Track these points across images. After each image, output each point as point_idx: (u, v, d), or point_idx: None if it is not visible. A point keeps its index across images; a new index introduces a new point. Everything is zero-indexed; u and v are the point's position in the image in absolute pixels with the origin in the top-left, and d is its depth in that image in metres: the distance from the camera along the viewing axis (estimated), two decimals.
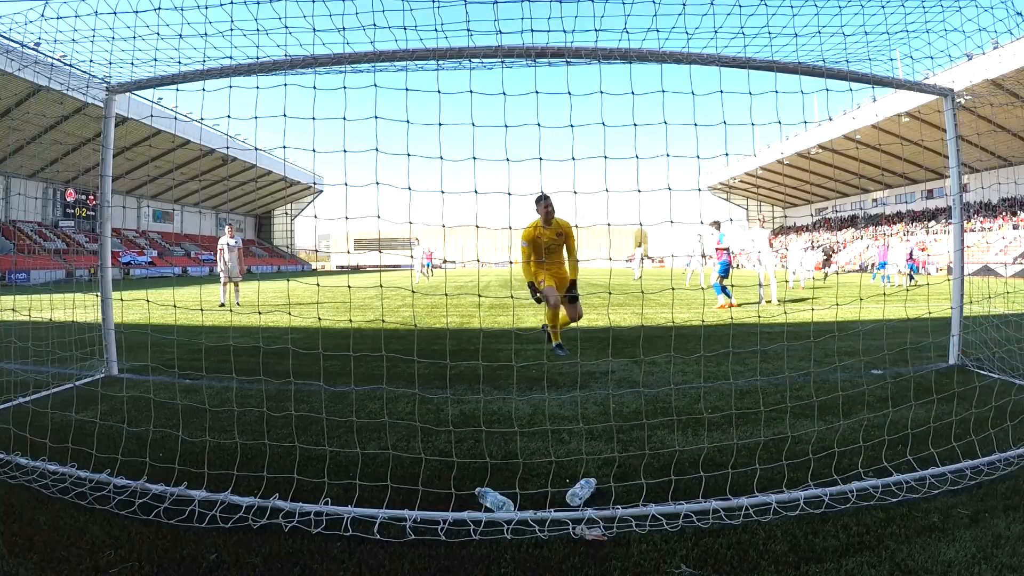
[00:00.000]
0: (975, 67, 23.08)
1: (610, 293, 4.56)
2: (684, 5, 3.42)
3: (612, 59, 3.47)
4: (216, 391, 3.98)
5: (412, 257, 21.24)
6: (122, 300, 4.48)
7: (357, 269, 51.12)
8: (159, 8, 3.41)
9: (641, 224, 3.11)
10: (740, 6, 3.44)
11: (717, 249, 10.65)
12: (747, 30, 3.57)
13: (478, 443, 2.86)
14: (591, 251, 4.98)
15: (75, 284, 24.05)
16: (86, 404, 3.52)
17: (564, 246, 5.22)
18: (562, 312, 5.26)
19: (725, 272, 10.40)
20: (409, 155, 2.83)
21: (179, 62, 3.78)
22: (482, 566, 1.84)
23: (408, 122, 2.89)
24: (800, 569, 1.77)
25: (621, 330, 6.93)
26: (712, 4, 3.36)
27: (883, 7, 3.69)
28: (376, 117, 2.87)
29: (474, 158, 2.89)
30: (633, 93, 3.09)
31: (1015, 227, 33.47)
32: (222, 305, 11.16)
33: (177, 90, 4.05)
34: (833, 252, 20.71)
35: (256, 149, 3.67)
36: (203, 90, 3.69)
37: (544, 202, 5.11)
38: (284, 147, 3.08)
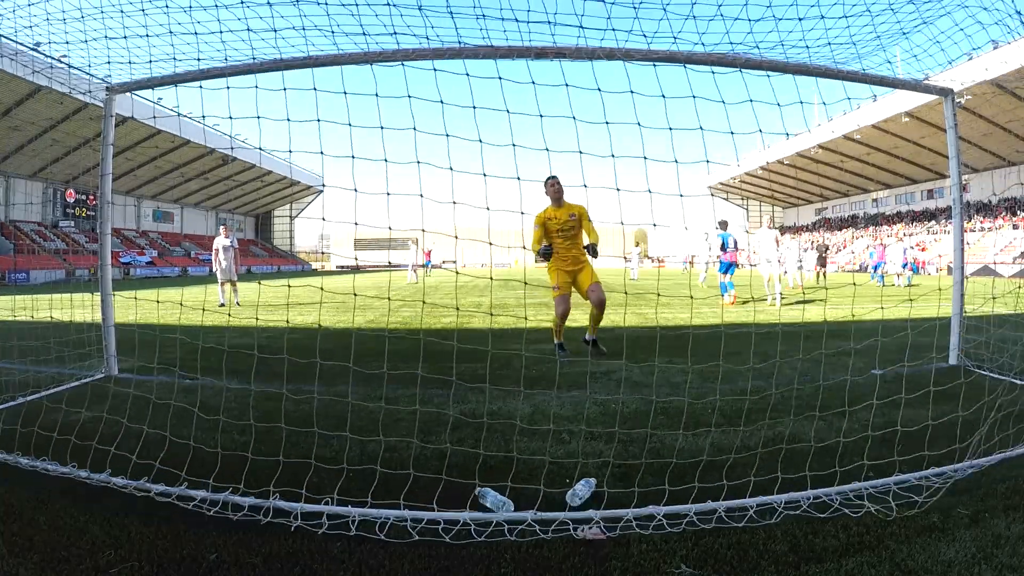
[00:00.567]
0: (975, 67, 23.10)
1: (626, 294, 4.57)
2: (693, 5, 3.41)
3: (612, 59, 3.47)
4: (217, 391, 3.98)
5: (415, 255, 21.23)
6: (136, 299, 4.47)
7: (358, 269, 51.15)
8: (166, 7, 3.41)
9: (623, 223, 3.11)
10: (746, 7, 3.44)
11: (722, 249, 11.10)
12: (745, 30, 3.57)
13: (478, 443, 2.85)
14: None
15: (75, 284, 24.06)
16: (86, 403, 3.52)
17: (581, 228, 5.12)
18: (591, 309, 5.16)
19: (726, 270, 10.87)
20: (417, 160, 2.84)
21: (174, 59, 3.78)
22: (482, 566, 1.84)
23: (414, 125, 2.89)
24: (800, 569, 1.77)
25: (621, 330, 6.93)
26: (720, 7, 3.36)
27: (873, 8, 3.69)
28: (381, 127, 2.88)
29: (480, 141, 2.89)
30: (632, 92, 3.09)
31: (1015, 227, 33.47)
32: (222, 305, 11.19)
33: (176, 87, 4.05)
34: (826, 249, 20.68)
35: (260, 149, 3.68)
36: (200, 87, 3.69)
37: (550, 181, 5.06)
38: (290, 151, 3.09)
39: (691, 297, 4.29)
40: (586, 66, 3.44)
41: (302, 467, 2.43)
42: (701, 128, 3.00)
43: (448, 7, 3.16)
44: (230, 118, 3.22)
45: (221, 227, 11.93)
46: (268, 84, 3.53)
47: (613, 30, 3.45)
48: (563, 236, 5.10)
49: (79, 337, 5.02)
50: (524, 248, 4.26)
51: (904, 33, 3.89)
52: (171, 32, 3.55)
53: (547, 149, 3.00)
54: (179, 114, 30.33)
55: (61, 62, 4.11)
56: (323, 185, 58.17)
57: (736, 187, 59.74)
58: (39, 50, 3.99)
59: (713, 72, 3.44)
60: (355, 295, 3.48)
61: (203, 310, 5.06)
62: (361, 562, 1.85)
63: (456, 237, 2.78)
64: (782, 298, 10.44)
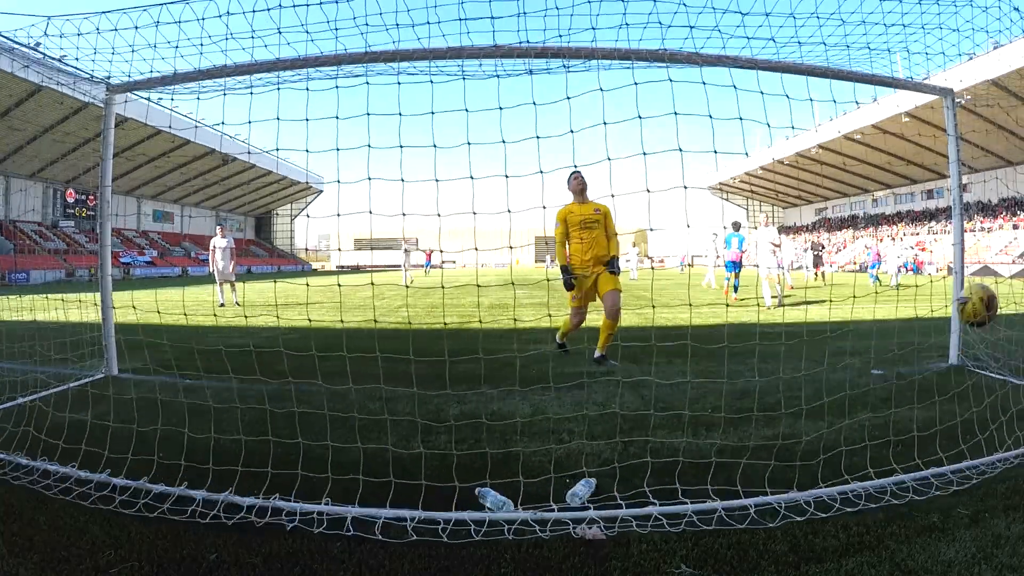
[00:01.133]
0: (975, 67, 23.10)
1: (653, 299, 4.56)
2: (686, 6, 3.41)
3: (612, 59, 3.47)
4: (216, 391, 3.98)
5: (408, 253, 21.24)
6: (134, 305, 4.47)
7: (357, 269, 51.12)
8: (164, 4, 3.41)
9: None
10: (742, 12, 3.45)
11: (728, 251, 11.95)
12: (748, 31, 3.57)
13: (478, 443, 2.86)
14: None
15: (75, 284, 24.05)
16: (87, 404, 3.52)
17: (604, 228, 4.96)
18: (603, 319, 4.95)
19: (732, 268, 11.73)
20: (402, 146, 2.84)
21: (174, 59, 3.78)
22: (482, 566, 1.84)
23: (400, 114, 2.89)
24: (800, 569, 1.77)
25: (622, 330, 6.92)
26: (715, 10, 3.37)
27: (882, 2, 3.69)
28: (368, 114, 2.88)
29: (468, 143, 2.90)
30: (636, 84, 3.09)
31: (1015, 227, 33.47)
32: (222, 305, 11.19)
33: (172, 94, 4.05)
34: (822, 248, 20.62)
35: (265, 151, 3.67)
36: (197, 92, 3.69)
37: (574, 175, 4.93)
38: (300, 149, 3.08)
39: (689, 305, 4.28)
40: (585, 67, 3.45)
41: (301, 467, 2.43)
42: (710, 116, 2.98)
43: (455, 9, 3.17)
44: (223, 123, 3.22)
45: (218, 227, 11.95)
46: (267, 84, 3.53)
47: (626, 26, 3.45)
48: (585, 229, 4.91)
49: (79, 337, 5.02)
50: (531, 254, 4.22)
51: (904, 29, 3.88)
52: (175, 24, 3.54)
53: (537, 136, 2.97)
54: (179, 114, 30.30)
55: (61, 62, 4.11)
56: (337, 180, 58.07)
57: (736, 187, 59.70)
58: (39, 50, 3.99)
59: (698, 76, 3.44)
60: (376, 290, 3.47)
61: (215, 313, 5.05)
62: (361, 562, 1.85)
63: (446, 232, 2.78)
64: (777, 299, 10.45)
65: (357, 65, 3.58)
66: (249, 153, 39.61)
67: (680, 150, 2.98)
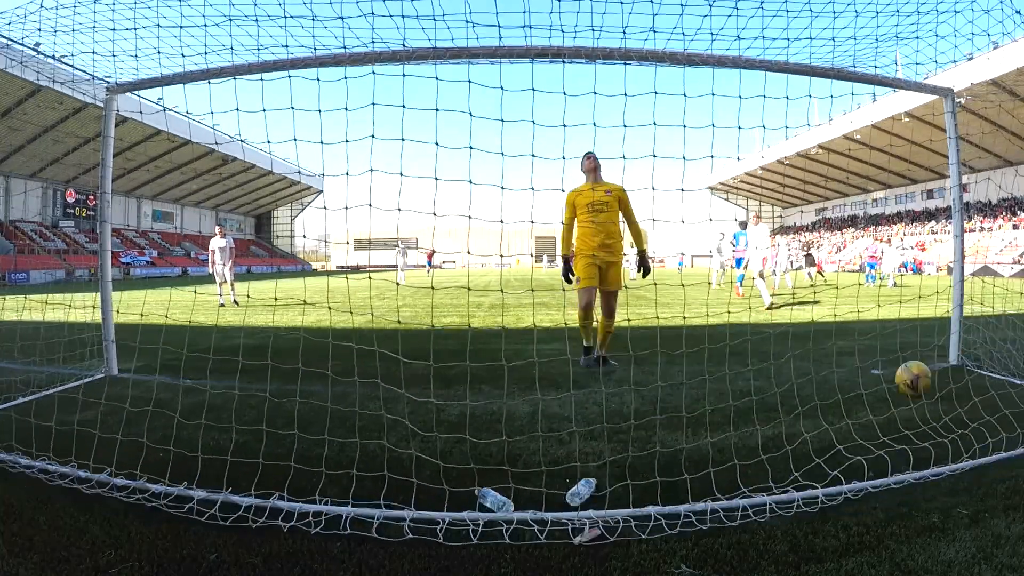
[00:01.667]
0: (975, 67, 23.10)
1: (685, 302, 4.55)
2: (683, 7, 3.42)
3: (611, 59, 3.47)
4: (216, 391, 3.98)
5: (405, 253, 21.24)
6: (144, 303, 4.46)
7: (357, 269, 51.14)
8: (159, 8, 3.41)
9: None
10: (737, 10, 3.45)
11: (737, 248, 12.56)
12: (746, 31, 3.57)
13: (478, 443, 2.85)
14: None
15: (75, 284, 24.04)
16: (86, 404, 3.52)
17: (619, 211, 4.55)
18: (597, 315, 4.59)
19: (740, 264, 12.36)
20: (404, 139, 2.83)
21: (176, 59, 3.79)
22: (482, 566, 1.84)
23: (404, 106, 2.90)
24: (800, 569, 1.77)
25: (621, 330, 6.93)
26: (710, 5, 3.37)
27: (880, 4, 3.69)
28: (373, 105, 2.87)
29: (470, 147, 2.90)
30: (656, 93, 3.10)
31: (1015, 227, 33.47)
32: (222, 305, 11.19)
33: (163, 92, 4.05)
34: (811, 247, 20.53)
35: (265, 152, 3.67)
36: (205, 84, 3.70)
37: (587, 156, 4.60)
38: (296, 141, 3.09)
39: (750, 308, 4.28)
40: (587, 68, 3.45)
41: (301, 467, 2.43)
42: (713, 126, 3.00)
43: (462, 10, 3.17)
44: (212, 117, 3.22)
45: (217, 227, 11.96)
46: (270, 85, 3.53)
47: (625, 26, 3.45)
48: (594, 212, 4.47)
49: (79, 337, 5.02)
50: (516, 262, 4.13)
51: (900, 37, 3.88)
52: (176, 26, 3.54)
53: (532, 155, 2.96)
54: (179, 114, 30.29)
55: (61, 62, 4.11)
56: (321, 185, 58.12)
57: (736, 187, 59.71)
58: (39, 50, 4.00)
59: (713, 71, 3.44)
60: (374, 290, 3.47)
61: (217, 313, 5.05)
62: (361, 562, 1.85)
63: (445, 232, 2.78)
64: (771, 300, 10.47)
65: (363, 64, 3.57)
66: (244, 147, 39.56)
67: (684, 158, 2.99)
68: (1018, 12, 3.66)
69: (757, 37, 3.65)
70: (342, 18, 3.33)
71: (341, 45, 3.54)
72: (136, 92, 4.31)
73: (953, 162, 4.60)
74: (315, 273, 49.61)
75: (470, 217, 2.89)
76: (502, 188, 2.95)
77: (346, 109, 2.96)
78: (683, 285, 3.53)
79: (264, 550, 1.92)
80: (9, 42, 3.90)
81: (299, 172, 51.81)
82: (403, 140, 2.84)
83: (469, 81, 3.02)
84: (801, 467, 2.43)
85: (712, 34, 3.52)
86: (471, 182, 2.92)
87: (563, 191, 4.16)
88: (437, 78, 3.05)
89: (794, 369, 4.50)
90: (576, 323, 4.92)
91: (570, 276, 4.53)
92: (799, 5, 3.55)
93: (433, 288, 4.33)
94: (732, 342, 5.53)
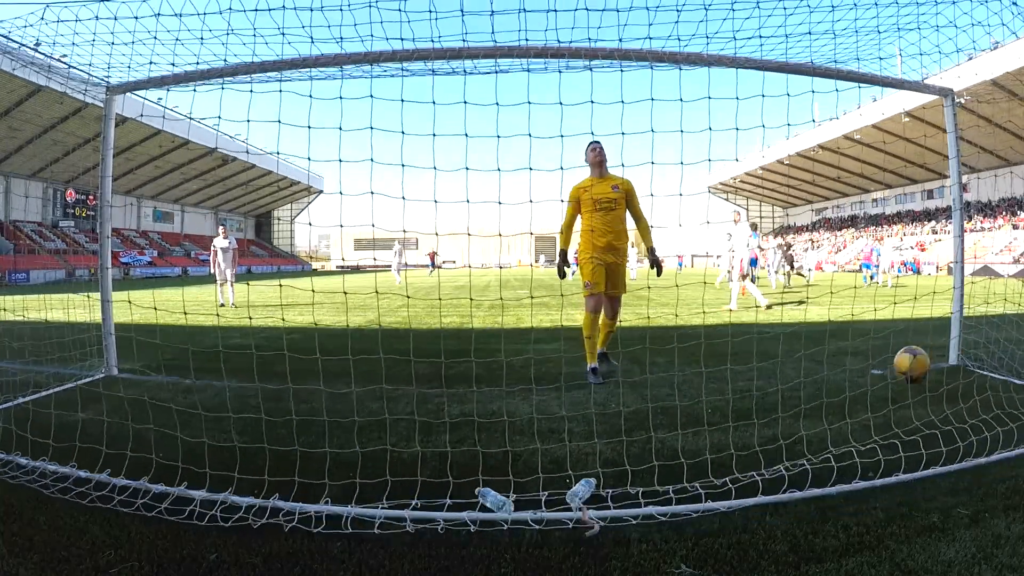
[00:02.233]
0: (975, 67, 23.09)
1: (704, 307, 4.55)
2: (681, 5, 3.42)
3: (611, 59, 3.48)
4: (216, 391, 3.98)
5: (402, 253, 21.21)
6: (130, 302, 4.47)
7: (357, 269, 51.14)
8: (159, 12, 3.41)
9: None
10: (733, 9, 3.45)
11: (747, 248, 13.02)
12: (746, 32, 3.58)
13: (478, 443, 2.85)
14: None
15: (75, 284, 24.04)
16: (86, 404, 3.52)
17: (625, 207, 4.27)
18: (602, 319, 4.36)
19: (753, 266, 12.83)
20: (403, 165, 2.84)
21: (174, 60, 3.78)
22: (482, 566, 1.84)
23: (403, 133, 2.90)
24: (800, 569, 1.77)
25: (621, 330, 6.93)
26: (706, 8, 3.38)
27: (879, 5, 3.69)
28: (371, 128, 2.88)
29: (467, 168, 2.91)
30: (652, 99, 3.10)
31: (1015, 227, 33.48)
32: (222, 305, 11.19)
33: (168, 91, 4.06)
34: (790, 247, 20.45)
35: (265, 151, 3.68)
36: (194, 90, 3.70)
37: (592, 146, 4.26)
38: (278, 153, 3.09)
39: (771, 305, 4.28)
40: (583, 76, 3.46)
41: (301, 467, 2.43)
42: (710, 129, 3.01)
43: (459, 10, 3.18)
44: (219, 119, 3.22)
45: (220, 227, 11.94)
46: (270, 85, 3.53)
47: (622, 26, 3.45)
48: (601, 210, 4.19)
49: (79, 337, 5.02)
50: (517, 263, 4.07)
51: (900, 29, 3.88)
52: (177, 39, 3.55)
53: (530, 152, 2.97)
54: (178, 114, 30.30)
55: (61, 62, 4.11)
56: (321, 186, 58.07)
57: (736, 187, 59.73)
58: (39, 50, 3.99)
59: (709, 71, 3.44)
60: (373, 290, 3.48)
61: (216, 313, 5.05)
62: (361, 562, 1.85)
63: (436, 234, 2.78)
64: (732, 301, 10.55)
65: (360, 65, 3.58)
66: (247, 152, 39.61)
67: (682, 163, 3.00)
68: (1015, 3, 3.66)
69: (752, 36, 3.65)
70: (340, 35, 3.34)
71: (339, 48, 3.54)
72: (136, 92, 4.31)
73: (953, 162, 4.60)
74: (315, 273, 49.62)
75: (469, 235, 2.91)
76: (499, 203, 2.97)
77: (340, 125, 2.96)
78: (677, 286, 3.53)
79: (264, 550, 1.92)
80: (9, 42, 3.90)
81: (311, 174, 51.85)
82: (403, 166, 2.86)
83: (465, 102, 3.00)
84: (801, 467, 2.43)
85: (707, 38, 3.53)
86: (468, 201, 2.93)
87: (562, 201, 4.04)
88: (434, 102, 3.06)
89: (794, 369, 4.51)
90: (574, 325, 4.84)
91: (564, 270, 4.32)
92: (795, 1, 3.55)
93: (440, 299, 4.32)
94: (733, 342, 5.53)
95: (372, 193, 2.85)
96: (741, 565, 1.81)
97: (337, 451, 2.72)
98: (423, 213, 2.92)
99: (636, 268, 22.86)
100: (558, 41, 3.40)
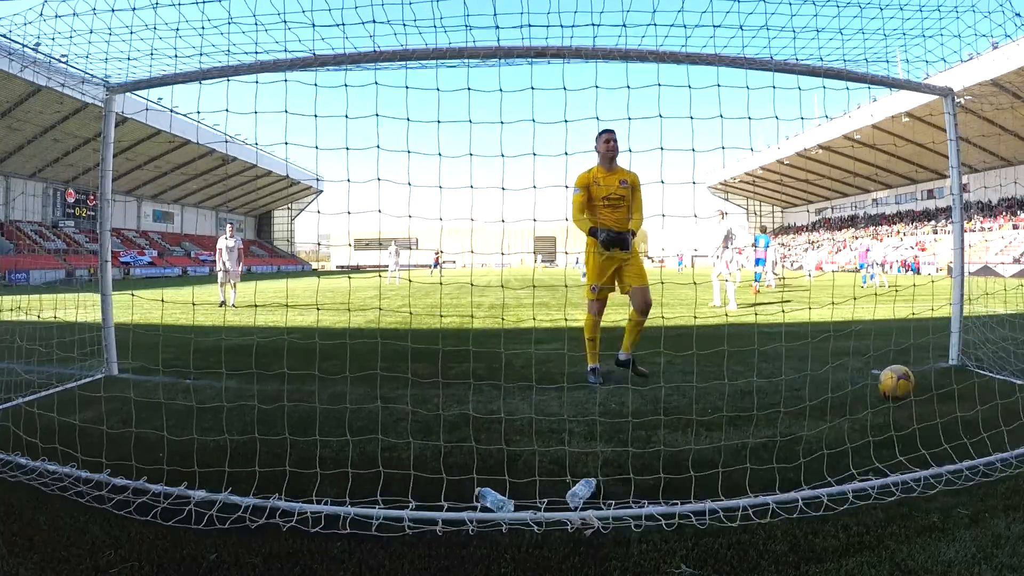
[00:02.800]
0: (975, 67, 23.10)
1: (661, 300, 4.55)
2: (682, 5, 3.42)
3: (611, 59, 3.47)
4: (216, 391, 3.98)
5: (398, 253, 21.21)
6: (133, 297, 4.46)
7: (357, 269, 51.15)
8: (157, 5, 3.41)
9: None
10: (738, 4, 3.45)
11: (755, 248, 14.59)
12: (747, 30, 3.58)
13: (478, 443, 2.85)
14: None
15: (75, 284, 24.05)
16: (86, 404, 3.52)
17: (630, 203, 4.11)
18: (631, 312, 4.17)
19: (759, 264, 14.23)
20: (409, 152, 2.83)
21: (176, 56, 3.78)
22: (481, 566, 1.84)
23: (408, 120, 2.90)
24: (800, 569, 1.77)
25: (621, 330, 6.93)
26: (711, 3, 3.37)
27: (881, 9, 3.69)
28: (377, 115, 2.88)
29: (471, 154, 2.89)
30: (628, 87, 3.10)
31: (1015, 227, 33.47)
32: (222, 304, 11.16)
33: (173, 88, 4.05)
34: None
35: (258, 147, 3.68)
36: (200, 85, 3.70)
37: (605, 136, 4.02)
38: (286, 143, 3.09)
39: (782, 307, 4.27)
40: (587, 68, 3.44)
41: (300, 468, 2.43)
42: (721, 116, 2.99)
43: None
44: (227, 110, 3.21)
45: (228, 226, 11.85)
46: (273, 76, 3.53)
47: (624, 25, 3.45)
48: (609, 207, 4.05)
49: (79, 337, 5.02)
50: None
51: (906, 33, 3.88)
52: (176, 33, 3.55)
53: (534, 154, 2.95)
54: (178, 114, 30.28)
55: (61, 62, 4.11)
56: (322, 185, 58.04)
57: (736, 187, 59.76)
58: (39, 50, 3.99)
59: (718, 69, 3.44)
60: (370, 290, 3.47)
61: (221, 314, 5.05)
62: (361, 562, 1.85)
63: (446, 232, 2.77)
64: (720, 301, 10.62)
65: (364, 64, 3.58)
66: (254, 154, 39.60)
67: (693, 149, 2.99)
68: (1018, 15, 3.66)
69: (761, 27, 3.64)
70: (342, 30, 3.33)
71: (340, 48, 3.54)
72: (136, 92, 4.31)
73: (953, 163, 4.60)
74: (315, 273, 49.61)
75: (472, 220, 2.89)
76: (503, 189, 2.94)
77: (346, 117, 2.95)
78: (695, 283, 3.53)
79: (264, 550, 1.92)
80: (9, 42, 3.90)
81: (311, 174, 51.83)
82: (408, 152, 2.85)
83: (468, 89, 3.00)
84: (801, 467, 2.42)
85: (713, 27, 3.51)
86: (472, 187, 2.92)
87: (567, 187, 3.80)
88: (438, 89, 3.04)
89: (793, 368, 4.50)
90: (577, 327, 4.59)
91: (615, 239, 3.92)
92: (800, 3, 3.56)
93: (440, 300, 4.33)
94: (733, 342, 5.53)
95: (379, 180, 2.86)
96: (741, 565, 1.81)
97: (337, 451, 2.72)
98: (425, 209, 2.91)
99: None
100: (560, 26, 3.38)
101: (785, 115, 3.15)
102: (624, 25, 3.48)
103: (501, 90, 3.04)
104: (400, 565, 1.84)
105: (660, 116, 3.04)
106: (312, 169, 54.24)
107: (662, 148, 2.99)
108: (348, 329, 6.34)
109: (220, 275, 11.37)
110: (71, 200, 38.36)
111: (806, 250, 46.34)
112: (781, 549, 1.89)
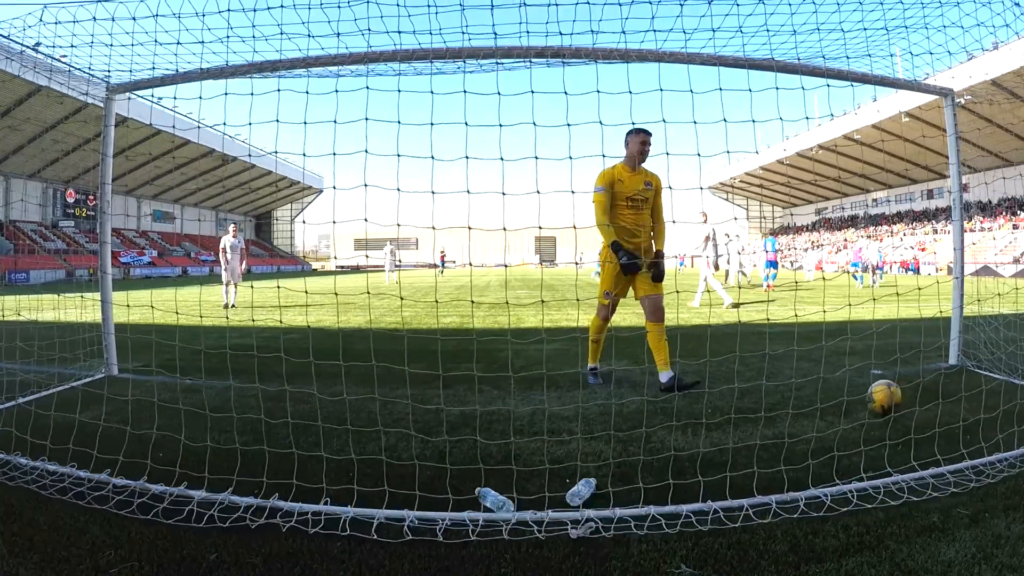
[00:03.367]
0: (975, 67, 23.11)
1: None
2: (682, 5, 3.42)
3: (611, 59, 3.47)
4: (216, 392, 3.98)
5: (394, 253, 21.23)
6: (127, 305, 4.47)
7: (357, 269, 51.14)
8: (157, 9, 3.41)
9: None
10: (738, 4, 3.45)
11: (765, 251, 15.55)
12: (745, 29, 3.58)
13: (478, 442, 2.85)
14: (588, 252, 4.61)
15: (75, 284, 24.04)
16: (86, 404, 3.52)
17: (653, 205, 3.96)
18: (651, 328, 3.97)
19: (769, 266, 15.09)
20: (399, 155, 2.82)
21: (177, 57, 3.79)
22: (482, 566, 1.84)
23: (399, 122, 2.88)
24: (800, 569, 1.77)
25: (622, 330, 6.93)
26: (710, 5, 3.37)
27: (882, 4, 3.69)
28: (367, 119, 2.88)
29: (467, 157, 2.87)
30: (631, 92, 3.09)
31: (1015, 227, 33.47)
32: (226, 306, 11.04)
33: (175, 92, 4.05)
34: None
35: (265, 151, 3.68)
36: (200, 86, 3.70)
37: (643, 136, 3.84)
38: (277, 152, 3.09)
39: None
40: (587, 68, 3.44)
41: (299, 467, 2.43)
42: (724, 120, 2.99)
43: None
44: (225, 123, 3.22)
45: (231, 225, 11.76)
46: (269, 81, 3.53)
47: (623, 32, 3.45)
48: (632, 208, 3.89)
49: (79, 337, 5.02)
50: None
51: (908, 29, 3.88)
52: (177, 38, 3.56)
53: (536, 157, 2.94)
54: (179, 114, 30.26)
55: (61, 62, 4.11)
56: (321, 186, 58.11)
57: (736, 187, 59.72)
58: (39, 50, 4.00)
59: (719, 69, 3.44)
60: (369, 290, 3.47)
61: (225, 315, 5.05)
62: (361, 562, 1.85)
63: (433, 228, 2.76)
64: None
65: (359, 65, 3.58)
66: (250, 155, 39.63)
67: (699, 157, 2.98)
68: (1017, 4, 3.66)
69: (757, 33, 3.64)
70: (338, 33, 3.33)
71: (333, 47, 3.55)
72: (136, 92, 4.31)
73: (953, 162, 4.60)
74: (315, 273, 49.59)
75: (469, 228, 2.85)
76: (503, 194, 2.91)
77: (334, 121, 2.94)
78: (734, 284, 3.52)
79: (264, 550, 1.92)
80: (9, 42, 3.90)
81: (311, 174, 51.86)
82: (399, 156, 2.79)
83: (464, 91, 2.98)
84: (801, 468, 2.42)
85: (712, 31, 3.52)
86: (468, 192, 2.88)
87: (572, 192, 3.45)
88: (432, 92, 3.03)
89: (795, 369, 4.50)
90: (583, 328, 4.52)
91: (634, 262, 3.78)
92: (799, 2, 3.56)
93: (437, 301, 4.33)
94: (733, 342, 5.53)
95: (365, 186, 2.84)
96: (741, 565, 1.81)
97: (337, 451, 2.72)
98: (423, 208, 2.89)
99: None
100: (560, 34, 3.37)
101: (787, 116, 3.14)
102: (623, 32, 3.48)
103: (499, 93, 3.04)
104: (400, 565, 1.84)
105: (664, 121, 3.04)
106: (312, 170, 54.30)
107: (668, 153, 2.99)
108: (342, 330, 6.35)
109: (224, 276, 11.29)
110: (71, 200, 38.36)
111: (806, 250, 46.33)
112: (781, 549, 1.89)
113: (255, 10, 3.35)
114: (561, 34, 3.37)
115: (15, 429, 2.84)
